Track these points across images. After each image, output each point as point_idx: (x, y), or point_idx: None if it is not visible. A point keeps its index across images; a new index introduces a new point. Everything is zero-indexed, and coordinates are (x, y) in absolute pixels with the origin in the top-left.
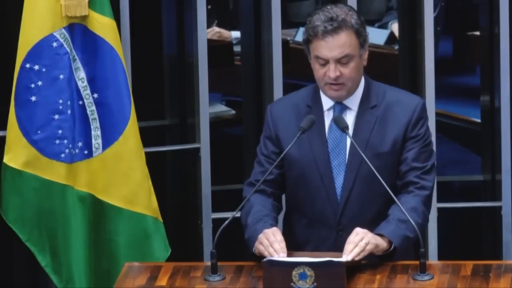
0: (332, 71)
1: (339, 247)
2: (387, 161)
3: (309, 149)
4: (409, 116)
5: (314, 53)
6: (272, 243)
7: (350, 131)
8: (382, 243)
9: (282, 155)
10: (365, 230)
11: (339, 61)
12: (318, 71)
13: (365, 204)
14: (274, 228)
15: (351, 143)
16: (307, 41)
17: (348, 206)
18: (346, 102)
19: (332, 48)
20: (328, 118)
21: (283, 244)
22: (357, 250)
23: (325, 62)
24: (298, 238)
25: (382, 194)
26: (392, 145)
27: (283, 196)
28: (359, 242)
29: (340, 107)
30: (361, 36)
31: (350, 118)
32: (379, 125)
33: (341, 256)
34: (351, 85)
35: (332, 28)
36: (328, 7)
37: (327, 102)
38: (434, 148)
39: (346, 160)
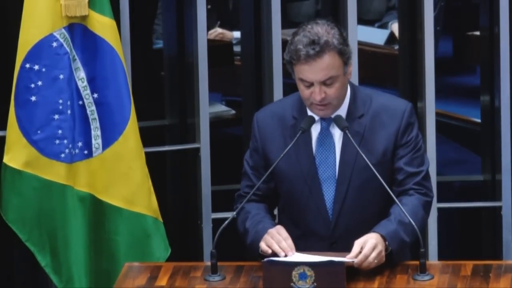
0: (317, 93)
1: None
2: (378, 172)
3: (296, 163)
4: (398, 124)
5: (298, 76)
6: (278, 242)
7: (339, 143)
8: (383, 249)
9: (269, 170)
10: (379, 247)
11: (324, 83)
12: (304, 91)
13: (358, 216)
14: (278, 226)
15: (340, 156)
16: (290, 63)
17: (341, 218)
18: (333, 114)
19: (316, 72)
20: (315, 130)
21: (290, 241)
22: (365, 265)
23: (310, 84)
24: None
25: (374, 205)
26: (382, 155)
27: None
28: (370, 256)
29: (327, 121)
30: (344, 55)
31: (338, 131)
32: (368, 135)
33: (341, 256)
34: (337, 103)
35: (314, 52)
36: (309, 26)
37: (313, 114)
38: (434, 147)
39: (337, 172)
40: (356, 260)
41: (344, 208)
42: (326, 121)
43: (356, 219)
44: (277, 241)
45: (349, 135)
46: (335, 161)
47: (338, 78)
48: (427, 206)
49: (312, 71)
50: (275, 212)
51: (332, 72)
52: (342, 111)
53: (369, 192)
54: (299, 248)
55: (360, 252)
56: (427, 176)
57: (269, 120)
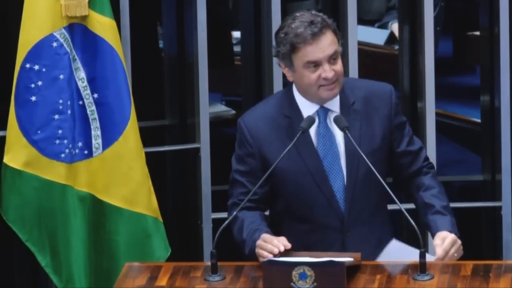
0: (328, 71)
1: (348, 249)
2: (380, 156)
3: (300, 160)
4: (389, 106)
5: (304, 60)
6: (270, 241)
7: (340, 133)
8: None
9: (268, 173)
10: (458, 242)
11: (330, 59)
12: (310, 76)
13: (366, 201)
14: (262, 235)
15: (345, 146)
16: (292, 51)
17: (352, 207)
18: (328, 105)
19: (324, 48)
20: (313, 125)
21: (281, 238)
22: (446, 259)
23: (317, 65)
24: (301, 244)
25: (377, 187)
26: (382, 139)
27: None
28: (450, 252)
29: (323, 111)
30: (337, 34)
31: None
32: (365, 122)
33: (341, 256)
34: (342, 80)
35: (318, 29)
36: (298, 14)
37: (306, 110)
38: (434, 147)
39: (344, 164)
40: (437, 255)
41: (355, 196)
42: (323, 112)
43: (367, 205)
44: (269, 242)
45: (349, 135)
46: (338, 152)
47: (339, 54)
48: (438, 180)
49: (319, 49)
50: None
51: (335, 47)
52: (336, 101)
53: (374, 178)
54: (311, 242)
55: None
56: (423, 150)
57: (260, 124)
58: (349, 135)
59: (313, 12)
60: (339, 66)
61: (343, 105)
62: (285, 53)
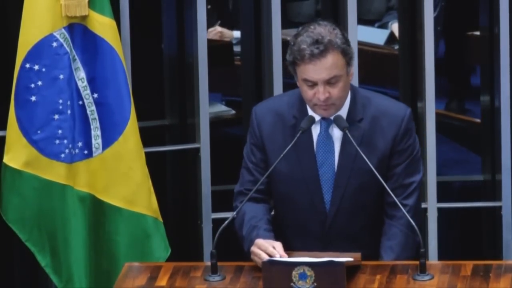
0: (321, 93)
1: None
2: (374, 176)
3: (297, 165)
4: (396, 129)
5: (302, 76)
6: (265, 249)
7: (338, 145)
8: None
9: (269, 171)
10: None
11: (328, 82)
12: (307, 92)
13: (352, 218)
14: (256, 241)
15: (339, 158)
16: (294, 63)
17: (336, 220)
18: (333, 117)
19: (320, 71)
20: (315, 131)
21: (276, 244)
22: None
23: (313, 84)
24: (284, 248)
25: (370, 208)
26: (379, 160)
27: None
28: None
29: (327, 122)
30: (347, 55)
31: (337, 133)
32: (366, 140)
33: (341, 256)
34: (339, 103)
35: (318, 51)
36: (312, 26)
37: (314, 115)
38: (434, 147)
39: (335, 175)
40: None
41: (341, 210)
42: (326, 122)
43: (352, 221)
44: (265, 249)
45: (349, 135)
46: (334, 162)
47: (341, 78)
48: (416, 220)
49: (316, 70)
50: None
51: (336, 71)
52: (342, 114)
53: (366, 195)
54: (293, 248)
55: None
56: (416, 189)
57: (269, 117)
58: (349, 135)
59: (329, 27)
60: (337, 90)
61: (349, 119)
62: (290, 62)
